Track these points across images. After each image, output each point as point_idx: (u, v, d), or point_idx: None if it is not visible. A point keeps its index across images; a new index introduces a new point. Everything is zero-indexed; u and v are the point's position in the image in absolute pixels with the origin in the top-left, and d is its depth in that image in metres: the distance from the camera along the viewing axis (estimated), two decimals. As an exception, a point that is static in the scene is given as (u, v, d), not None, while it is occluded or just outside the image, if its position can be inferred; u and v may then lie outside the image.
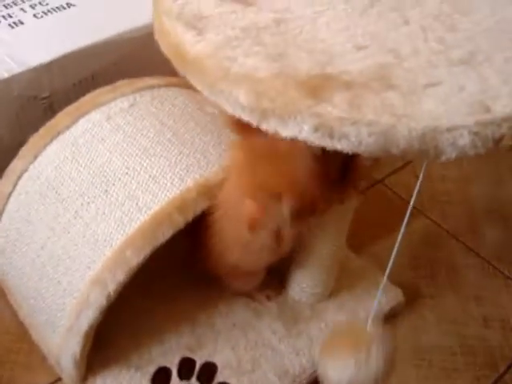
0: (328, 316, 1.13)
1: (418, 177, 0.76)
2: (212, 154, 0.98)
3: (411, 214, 0.80)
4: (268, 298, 1.15)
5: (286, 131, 0.64)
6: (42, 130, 1.04)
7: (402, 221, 0.79)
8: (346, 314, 1.13)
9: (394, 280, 1.21)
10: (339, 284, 1.16)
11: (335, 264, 1.10)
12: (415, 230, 1.37)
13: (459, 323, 1.20)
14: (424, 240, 1.36)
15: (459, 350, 1.16)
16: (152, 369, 1.04)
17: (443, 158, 0.62)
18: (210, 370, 1.05)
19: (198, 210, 0.92)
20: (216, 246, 0.98)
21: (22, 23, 1.22)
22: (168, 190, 0.93)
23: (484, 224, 1.41)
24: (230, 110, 0.68)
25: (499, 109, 0.64)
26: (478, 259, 1.33)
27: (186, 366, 1.05)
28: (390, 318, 1.17)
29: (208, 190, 0.93)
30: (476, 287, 1.27)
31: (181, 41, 0.72)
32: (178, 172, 0.95)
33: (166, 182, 0.94)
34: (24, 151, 1.04)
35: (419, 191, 0.77)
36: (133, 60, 1.24)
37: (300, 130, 0.63)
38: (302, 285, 1.12)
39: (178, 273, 1.16)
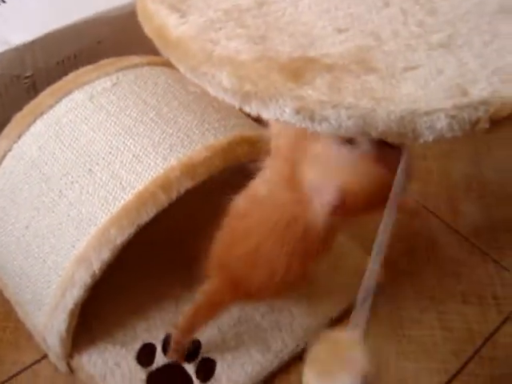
0: (308, 293, 1.15)
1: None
2: (195, 133, 0.99)
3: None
4: None
5: (268, 114, 0.65)
6: (25, 110, 1.04)
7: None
8: (328, 291, 1.15)
9: (373, 256, 1.23)
10: (319, 262, 1.17)
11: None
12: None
13: (437, 299, 1.22)
14: (403, 217, 1.37)
15: (438, 325, 1.18)
16: (137, 345, 1.06)
17: (421, 141, 0.64)
18: (194, 346, 1.07)
19: (182, 189, 0.93)
20: None
21: (3, 1, 1.21)
22: (152, 170, 0.94)
23: (463, 201, 1.43)
24: (212, 92, 0.68)
25: (477, 92, 0.65)
26: (457, 236, 1.35)
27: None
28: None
29: (192, 169, 0.94)
30: (454, 264, 1.29)
31: (164, 23, 0.73)
32: (161, 151, 0.96)
33: (149, 161, 0.95)
34: (7, 131, 1.04)
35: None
36: (116, 39, 1.24)
37: (281, 112, 0.64)
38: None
39: (161, 250, 1.17)
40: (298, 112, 0.63)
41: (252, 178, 0.91)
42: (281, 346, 1.08)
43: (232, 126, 1.02)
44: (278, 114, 0.64)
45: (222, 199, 1.22)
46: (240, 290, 1.00)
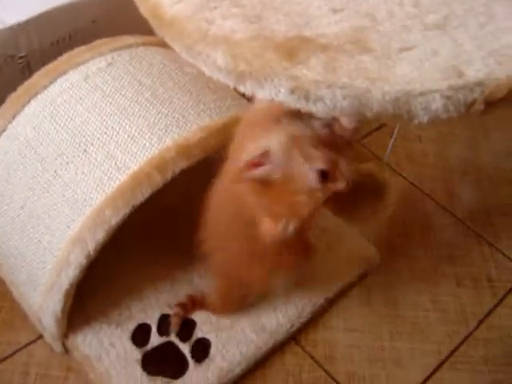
0: (304, 272, 1.15)
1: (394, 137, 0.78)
2: (191, 113, 0.99)
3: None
4: None
5: (263, 93, 0.65)
6: (19, 90, 1.04)
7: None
8: (323, 272, 1.16)
9: (369, 238, 1.23)
10: (316, 242, 1.17)
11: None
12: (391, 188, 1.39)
13: (432, 281, 1.23)
14: (399, 199, 1.37)
15: (432, 307, 1.19)
16: (132, 325, 1.06)
17: (416, 122, 0.64)
18: (189, 326, 1.07)
19: (177, 169, 0.93)
20: None
21: (-3, -20, 1.20)
22: (147, 150, 0.94)
23: (459, 185, 1.43)
24: (207, 71, 0.68)
25: (472, 74, 0.65)
26: (453, 219, 1.35)
27: (166, 323, 1.07)
28: (365, 275, 1.20)
29: (187, 150, 0.94)
30: (449, 246, 1.30)
31: (159, 2, 0.72)
32: (156, 132, 0.95)
33: (144, 141, 0.95)
34: (2, 111, 1.04)
35: (393, 150, 0.79)
36: (111, 19, 1.23)
37: (276, 92, 0.64)
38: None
39: (156, 231, 1.17)
40: (292, 92, 0.62)
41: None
42: (275, 327, 1.08)
43: (228, 107, 1.02)
44: (273, 93, 0.64)
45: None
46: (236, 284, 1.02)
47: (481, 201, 1.41)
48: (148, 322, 1.07)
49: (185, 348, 1.05)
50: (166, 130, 0.95)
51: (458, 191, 1.42)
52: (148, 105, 0.98)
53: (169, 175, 0.92)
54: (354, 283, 1.19)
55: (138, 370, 1.02)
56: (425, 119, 0.63)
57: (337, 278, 1.16)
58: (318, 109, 0.63)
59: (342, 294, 1.17)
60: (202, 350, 1.05)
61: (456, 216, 1.36)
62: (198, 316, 1.08)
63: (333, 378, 1.08)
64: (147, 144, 0.94)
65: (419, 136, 1.52)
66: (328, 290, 1.14)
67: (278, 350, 1.09)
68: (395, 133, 0.80)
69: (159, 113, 0.97)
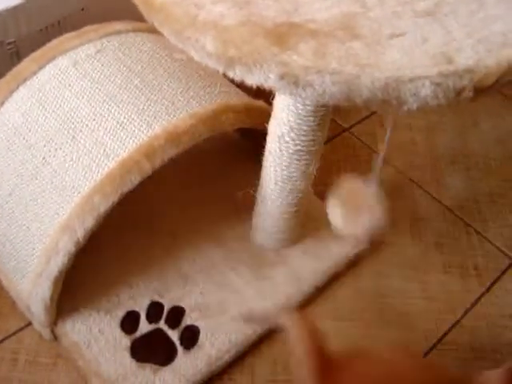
0: (293, 261, 1.15)
1: (384, 126, 0.78)
2: (180, 100, 0.99)
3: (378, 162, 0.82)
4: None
5: (252, 79, 0.65)
6: (8, 76, 1.03)
7: (368, 168, 0.81)
8: (311, 260, 1.16)
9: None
10: (304, 230, 1.18)
11: (301, 210, 1.11)
12: (380, 177, 1.39)
13: (420, 269, 1.23)
14: (388, 188, 1.37)
15: (420, 295, 1.19)
16: (121, 313, 1.06)
17: (405, 108, 0.64)
18: (177, 313, 1.07)
19: (166, 157, 0.92)
20: None
21: (-15, -35, 1.19)
22: (136, 137, 0.94)
23: (447, 173, 1.44)
24: (196, 57, 0.68)
25: (462, 61, 0.65)
26: (441, 207, 1.36)
27: (155, 310, 1.07)
28: (354, 263, 1.20)
29: (176, 137, 0.94)
30: (437, 235, 1.30)
31: (148, -13, 0.72)
32: (145, 119, 0.95)
33: (133, 128, 0.94)
34: (-10, 97, 1.03)
35: (382, 139, 0.80)
36: (100, 5, 1.22)
37: (266, 78, 0.64)
38: (268, 230, 1.14)
39: (146, 218, 1.17)
40: (282, 77, 0.62)
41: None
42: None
43: (217, 94, 1.01)
44: (263, 79, 0.64)
45: (206, 168, 1.22)
46: None
47: (469, 189, 1.41)
48: (137, 309, 1.07)
49: (174, 335, 1.05)
50: (155, 117, 0.95)
51: (446, 179, 1.42)
52: (137, 91, 0.98)
53: (158, 163, 0.92)
54: (342, 272, 1.19)
55: (126, 357, 1.02)
56: (414, 106, 0.64)
57: (325, 265, 1.16)
58: (307, 94, 0.63)
59: (331, 282, 1.18)
60: (190, 337, 1.05)
61: (444, 204, 1.37)
62: (187, 303, 1.08)
63: (321, 366, 1.08)
64: (136, 131, 0.94)
65: (409, 124, 1.52)
66: (317, 278, 1.14)
67: (266, 337, 1.09)
68: (389, 128, 0.81)
69: (148, 99, 0.97)
